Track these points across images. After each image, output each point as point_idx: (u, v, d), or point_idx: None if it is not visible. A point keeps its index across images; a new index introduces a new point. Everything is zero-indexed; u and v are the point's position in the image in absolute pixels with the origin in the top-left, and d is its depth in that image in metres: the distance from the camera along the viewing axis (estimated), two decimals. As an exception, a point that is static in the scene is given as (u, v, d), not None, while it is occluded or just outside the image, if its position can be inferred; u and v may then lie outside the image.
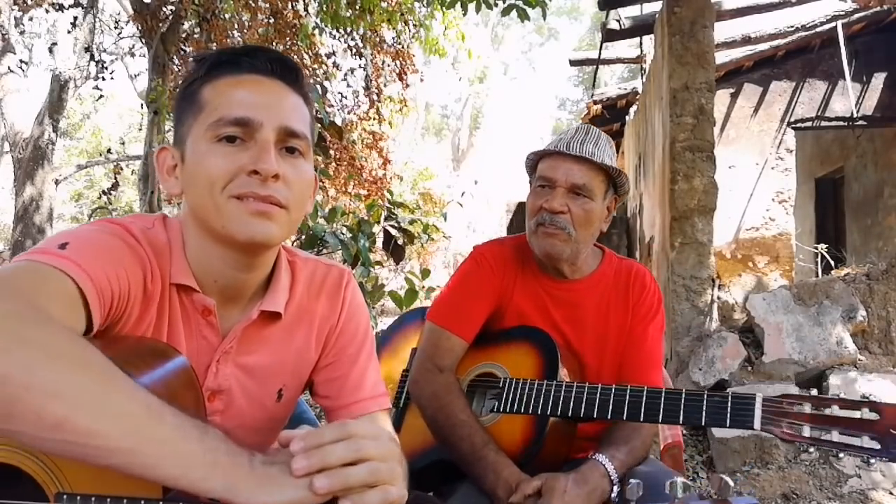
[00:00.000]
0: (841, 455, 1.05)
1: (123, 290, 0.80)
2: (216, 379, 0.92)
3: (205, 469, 0.62)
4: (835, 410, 1.05)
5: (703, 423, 1.17)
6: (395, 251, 4.08)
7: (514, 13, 4.07)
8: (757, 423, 1.10)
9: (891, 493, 2.81)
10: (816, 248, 6.08)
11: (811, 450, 1.07)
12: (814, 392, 1.10)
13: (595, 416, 1.24)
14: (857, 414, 1.03)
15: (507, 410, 1.31)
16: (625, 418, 1.22)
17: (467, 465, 1.29)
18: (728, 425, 1.14)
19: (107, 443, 0.60)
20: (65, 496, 0.66)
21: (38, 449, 0.63)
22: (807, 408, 1.07)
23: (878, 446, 1.01)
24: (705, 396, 1.17)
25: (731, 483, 0.83)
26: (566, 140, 1.39)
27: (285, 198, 0.86)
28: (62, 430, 0.59)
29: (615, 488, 1.21)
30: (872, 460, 1.02)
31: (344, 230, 3.84)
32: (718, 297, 4.37)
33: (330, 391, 1.03)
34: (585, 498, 1.18)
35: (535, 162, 1.46)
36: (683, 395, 1.18)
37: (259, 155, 0.84)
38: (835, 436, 1.04)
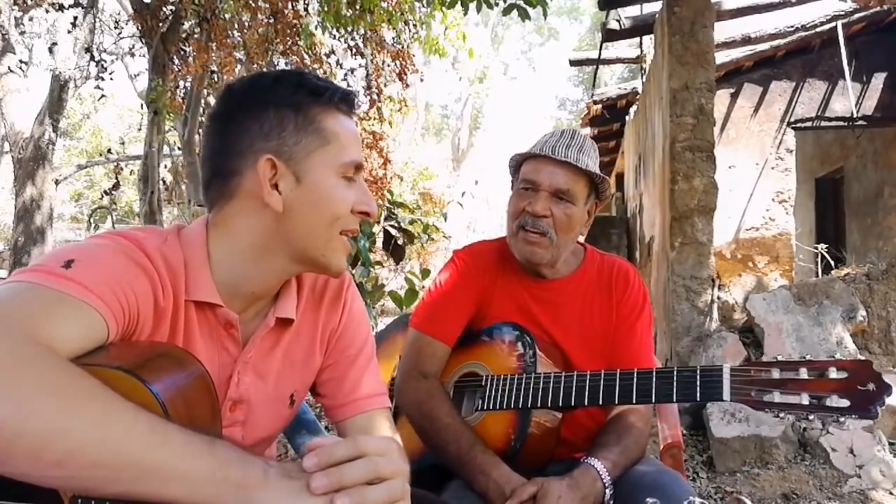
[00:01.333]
0: (811, 418, 1.05)
1: (133, 308, 0.79)
2: (238, 389, 0.93)
3: (215, 485, 0.62)
4: (802, 373, 1.07)
5: (674, 400, 1.18)
6: (395, 251, 4.08)
7: (514, 13, 4.06)
8: (727, 395, 1.11)
9: (891, 493, 2.81)
10: (816, 248, 6.08)
11: (781, 415, 1.07)
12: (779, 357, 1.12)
13: (573, 403, 1.25)
14: (824, 374, 1.05)
15: (490, 408, 1.32)
16: (601, 403, 1.24)
17: (457, 469, 1.29)
18: (698, 399, 1.15)
19: (112, 473, 0.60)
20: (79, 500, 0.65)
21: (41, 484, 0.61)
22: (775, 373, 1.09)
23: (847, 404, 1.02)
24: (675, 372, 1.18)
25: None
26: (552, 143, 1.38)
27: None
28: (65, 467, 0.59)
29: (608, 492, 1.21)
30: (842, 418, 1.03)
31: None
32: (718, 297, 4.38)
33: (327, 390, 1.05)
34: (579, 503, 1.17)
35: (518, 163, 1.45)
36: (654, 374, 1.20)
37: (368, 197, 0.93)
38: (804, 399, 1.05)
